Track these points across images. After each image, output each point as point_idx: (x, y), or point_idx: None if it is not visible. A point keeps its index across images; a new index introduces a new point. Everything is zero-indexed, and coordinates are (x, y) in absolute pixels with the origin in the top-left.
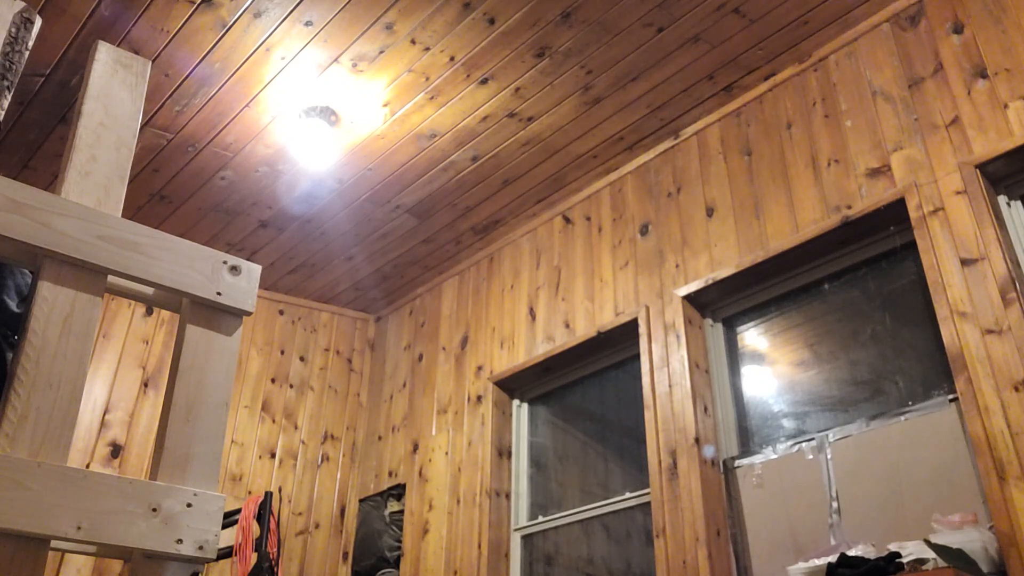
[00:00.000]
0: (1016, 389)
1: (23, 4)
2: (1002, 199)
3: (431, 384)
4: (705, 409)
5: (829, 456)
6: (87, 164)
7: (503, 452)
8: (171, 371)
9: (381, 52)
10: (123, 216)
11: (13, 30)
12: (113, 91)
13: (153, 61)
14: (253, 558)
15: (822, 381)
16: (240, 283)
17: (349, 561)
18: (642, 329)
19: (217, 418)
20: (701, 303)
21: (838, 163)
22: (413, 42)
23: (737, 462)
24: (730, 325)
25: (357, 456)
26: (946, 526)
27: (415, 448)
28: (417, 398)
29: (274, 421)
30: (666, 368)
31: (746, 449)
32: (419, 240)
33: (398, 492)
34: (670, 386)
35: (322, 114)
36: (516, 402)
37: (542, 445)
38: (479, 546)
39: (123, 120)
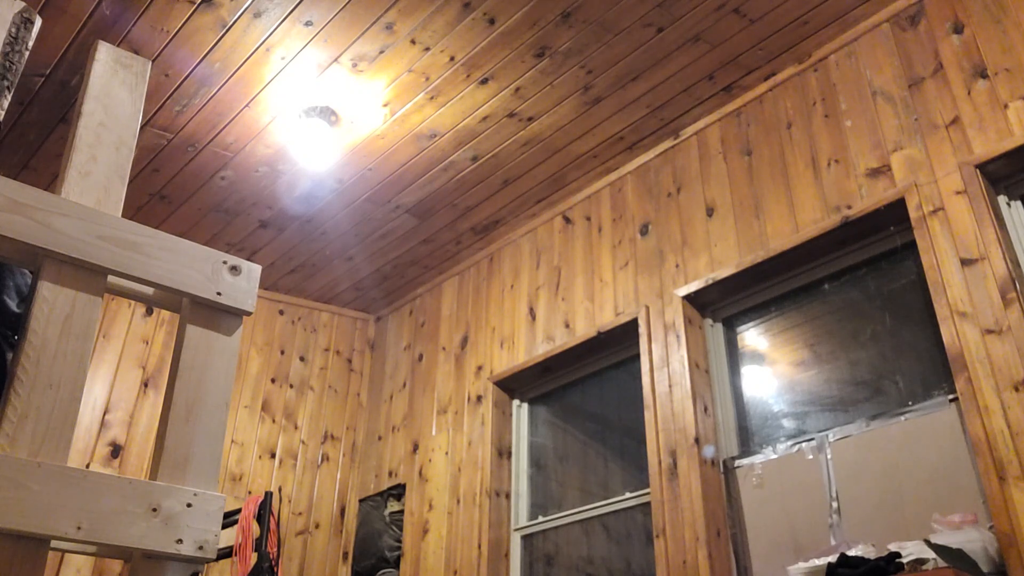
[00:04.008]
0: (1016, 389)
1: (23, 4)
2: (1002, 199)
3: (431, 384)
4: (705, 409)
5: (829, 456)
6: (87, 164)
7: (503, 452)
8: (171, 371)
9: (381, 52)
10: (123, 216)
11: (13, 30)
12: (113, 91)
13: (153, 61)
14: (253, 558)
15: (822, 381)
16: (240, 283)
17: (349, 561)
18: (642, 329)
19: (217, 418)
20: (701, 303)
21: (838, 163)
22: (413, 42)
23: (737, 462)
24: (730, 325)
25: (357, 456)
26: (946, 526)
27: (415, 448)
28: (417, 398)
29: (274, 421)
30: (666, 368)
31: (746, 449)
32: (419, 240)
33: (398, 492)
34: (670, 386)
35: (322, 114)
36: (516, 402)
37: (542, 445)
38: (479, 546)
39: (123, 120)
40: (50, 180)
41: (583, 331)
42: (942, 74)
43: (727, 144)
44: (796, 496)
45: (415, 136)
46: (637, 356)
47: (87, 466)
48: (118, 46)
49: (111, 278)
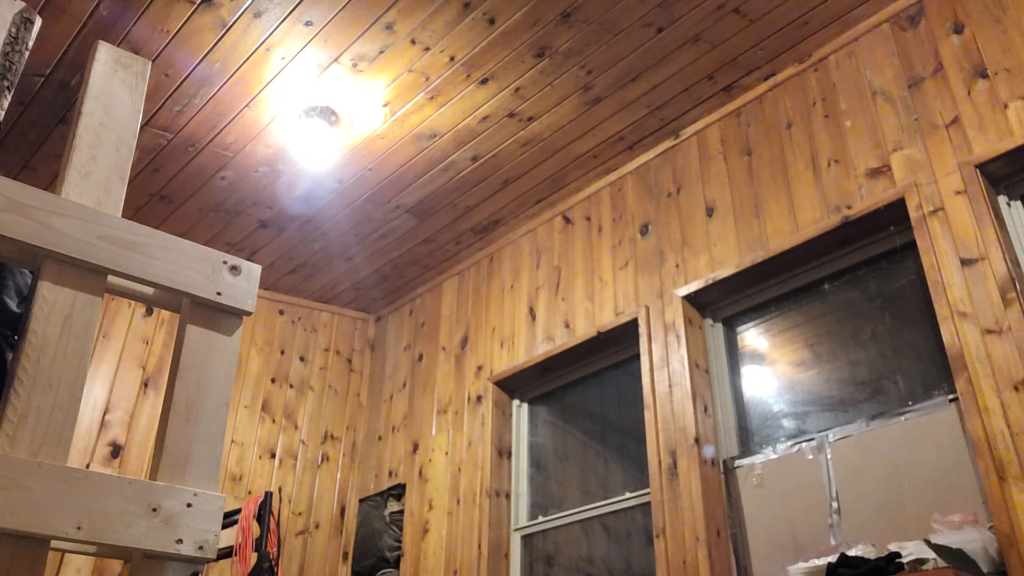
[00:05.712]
0: (1016, 389)
1: (23, 4)
2: (1002, 199)
3: (431, 384)
4: (705, 409)
5: (829, 456)
6: (87, 164)
7: (503, 452)
8: (171, 371)
9: (381, 52)
10: (123, 216)
11: (13, 30)
12: (113, 91)
13: (153, 61)
14: (253, 558)
15: (822, 381)
16: (240, 283)
17: (349, 561)
18: (642, 329)
19: (217, 418)
20: (701, 303)
21: (838, 163)
22: (413, 42)
23: (737, 462)
24: (730, 325)
25: (357, 456)
26: (946, 526)
27: (415, 448)
28: (417, 398)
29: (274, 421)
30: (666, 368)
31: (746, 449)
32: (419, 240)
33: (398, 492)
34: (670, 386)
35: (322, 114)
36: (516, 402)
37: (542, 445)
38: (479, 546)
39: (123, 120)
40: (50, 180)
41: (583, 331)
42: (942, 74)
43: (727, 144)
44: (796, 496)
45: (415, 136)
46: (637, 356)
47: (87, 466)
48: (118, 46)
49: (111, 278)
